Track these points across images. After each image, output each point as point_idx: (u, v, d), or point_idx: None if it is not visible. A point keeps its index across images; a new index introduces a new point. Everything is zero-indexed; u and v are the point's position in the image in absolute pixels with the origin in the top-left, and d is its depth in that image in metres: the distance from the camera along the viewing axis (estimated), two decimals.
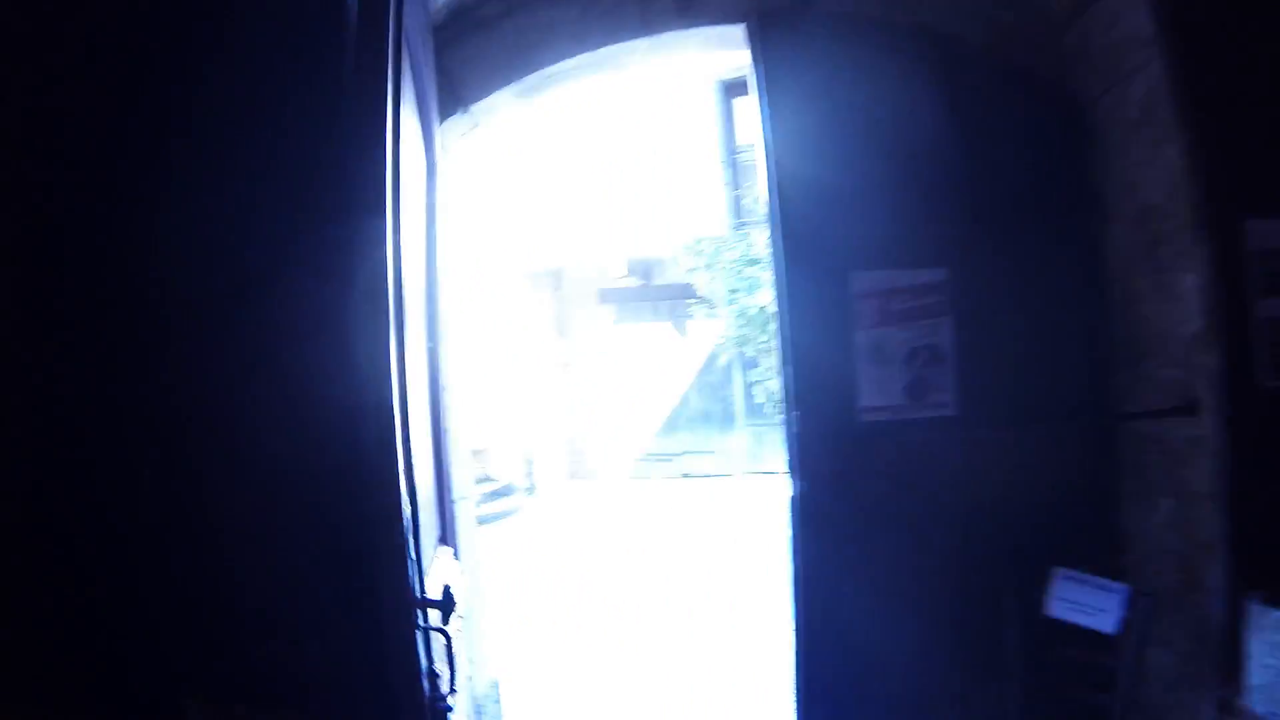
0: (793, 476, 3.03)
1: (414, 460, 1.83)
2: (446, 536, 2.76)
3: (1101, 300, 3.05)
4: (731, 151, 13.52)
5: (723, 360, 13.04)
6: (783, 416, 3.11)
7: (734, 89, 13.50)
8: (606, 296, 15.41)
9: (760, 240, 10.73)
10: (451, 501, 2.98)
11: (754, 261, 10.82)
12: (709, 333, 13.36)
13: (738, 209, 12.99)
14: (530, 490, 13.64)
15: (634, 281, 14.75)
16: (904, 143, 3.08)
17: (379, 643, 1.60)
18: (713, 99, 13.46)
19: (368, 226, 1.69)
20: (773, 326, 10.18)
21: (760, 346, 10.73)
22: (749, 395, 13.57)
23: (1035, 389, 3.07)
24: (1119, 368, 3.00)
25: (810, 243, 3.05)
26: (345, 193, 1.70)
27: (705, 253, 11.50)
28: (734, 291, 10.85)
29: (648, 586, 7.78)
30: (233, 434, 1.74)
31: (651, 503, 12.73)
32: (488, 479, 13.44)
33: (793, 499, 3.03)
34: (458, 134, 3.47)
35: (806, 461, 3.01)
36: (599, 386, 15.64)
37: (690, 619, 6.49)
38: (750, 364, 11.84)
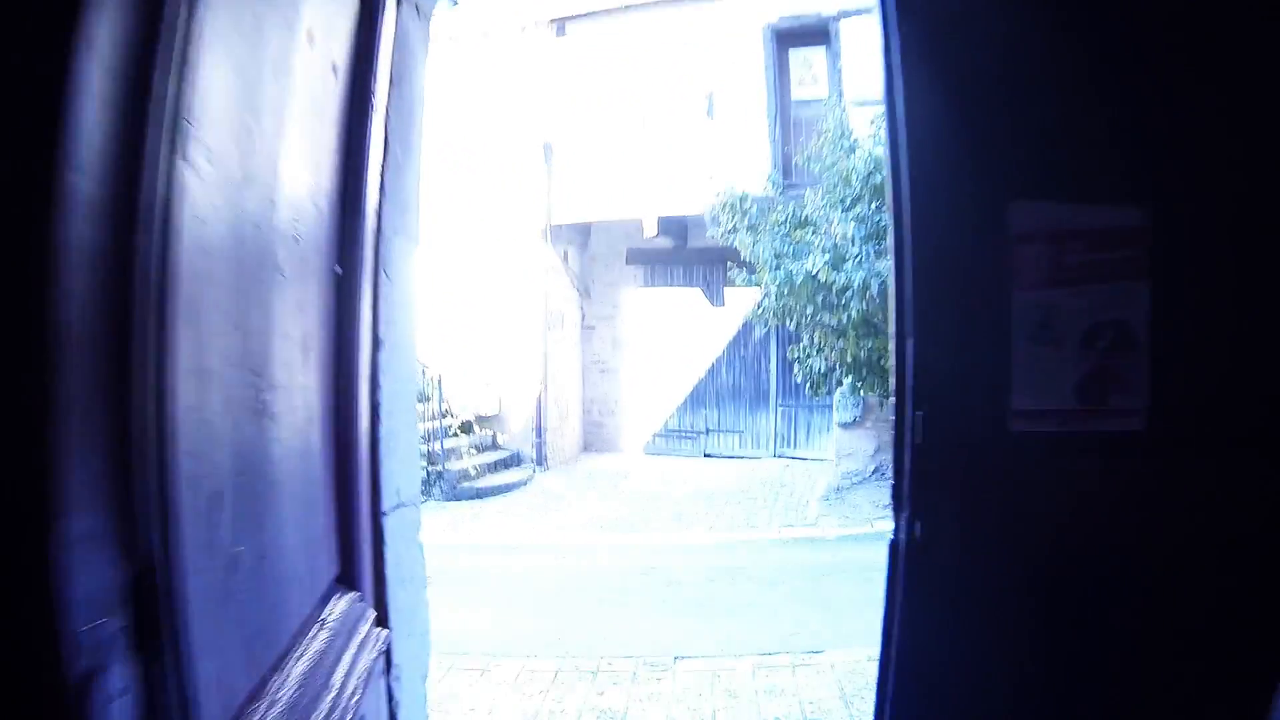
0: (899, 509, 1.98)
1: (178, 499, 0.85)
2: (356, 576, 1.79)
3: None
4: (783, 105, 12.30)
5: (758, 333, 11.88)
6: (893, 418, 2.05)
7: (787, 38, 12.30)
8: (635, 256, 14.34)
9: (811, 201, 9.63)
10: (380, 515, 2.00)
11: (803, 224, 9.71)
12: (746, 301, 12.25)
13: (786, 168, 11.83)
14: (541, 461, 12.73)
15: (666, 242, 13.63)
16: (1089, 33, 2.06)
17: None
18: (761, 49, 12.22)
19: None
20: (820, 298, 9.23)
21: (804, 319, 9.62)
22: (785, 373, 12.53)
23: (1261, 400, 2.05)
24: None
25: (950, 160, 2.00)
26: None
27: (748, 213, 10.35)
28: (778, 256, 9.71)
29: (651, 586, 6.85)
30: None
31: (670, 482, 11.81)
32: (495, 447, 12.58)
33: (895, 543, 2.00)
34: None
35: (926, 488, 1.96)
36: (622, 354, 14.70)
37: (691, 634, 5.54)
38: (791, 338, 10.71)
